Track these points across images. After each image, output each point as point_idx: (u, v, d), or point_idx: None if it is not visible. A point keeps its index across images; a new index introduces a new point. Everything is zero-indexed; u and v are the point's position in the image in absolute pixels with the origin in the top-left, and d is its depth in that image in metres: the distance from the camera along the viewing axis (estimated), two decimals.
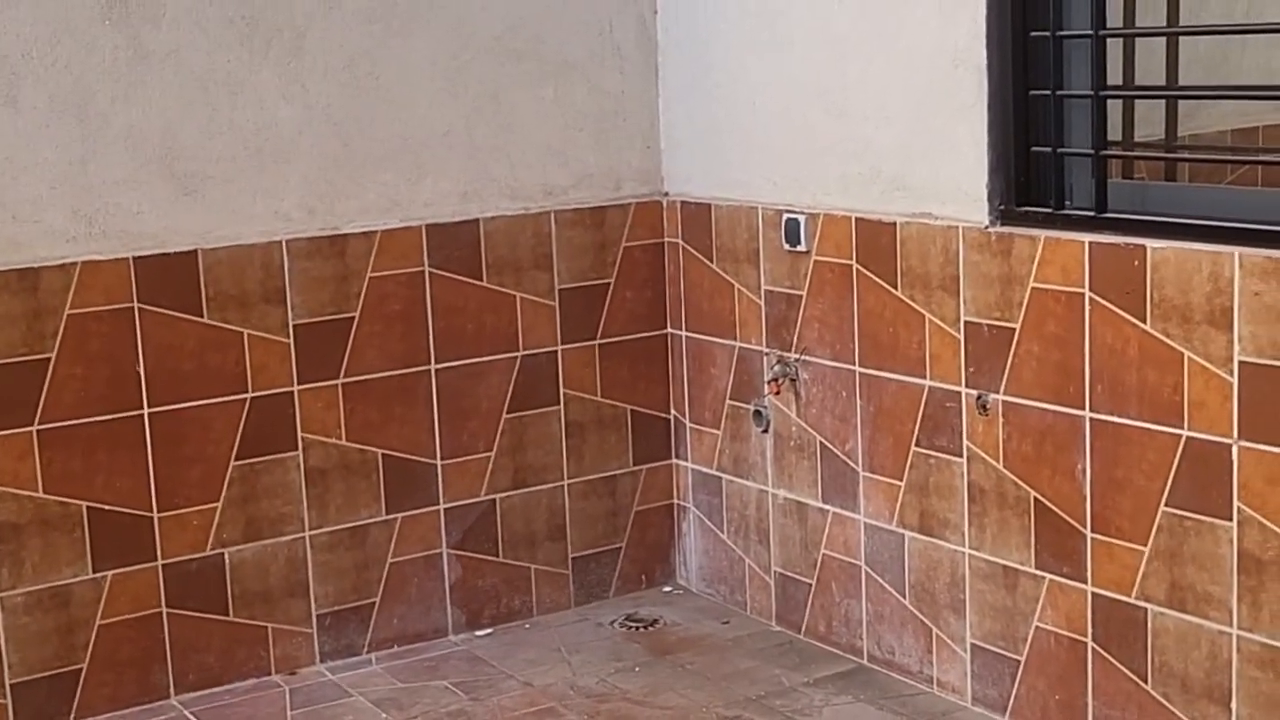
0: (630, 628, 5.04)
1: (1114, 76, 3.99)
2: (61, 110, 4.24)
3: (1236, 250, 3.53)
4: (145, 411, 4.43)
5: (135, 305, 4.39)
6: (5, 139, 4.17)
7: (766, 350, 4.86)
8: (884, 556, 4.55)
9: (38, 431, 4.28)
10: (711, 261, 5.03)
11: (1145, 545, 3.81)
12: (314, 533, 4.72)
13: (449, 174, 4.82)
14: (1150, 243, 3.71)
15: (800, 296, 4.70)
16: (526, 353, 5.00)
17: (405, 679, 4.68)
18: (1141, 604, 3.85)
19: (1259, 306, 3.49)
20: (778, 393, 4.81)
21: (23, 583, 4.31)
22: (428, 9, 4.71)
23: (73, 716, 4.42)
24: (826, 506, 4.74)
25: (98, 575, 4.42)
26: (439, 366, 4.87)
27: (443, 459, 4.91)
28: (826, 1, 4.49)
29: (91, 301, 4.33)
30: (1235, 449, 3.58)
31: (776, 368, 4.80)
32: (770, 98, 4.75)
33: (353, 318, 4.71)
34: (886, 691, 4.47)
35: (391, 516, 4.84)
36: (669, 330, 5.26)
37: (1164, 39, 4.14)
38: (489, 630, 5.02)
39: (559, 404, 5.08)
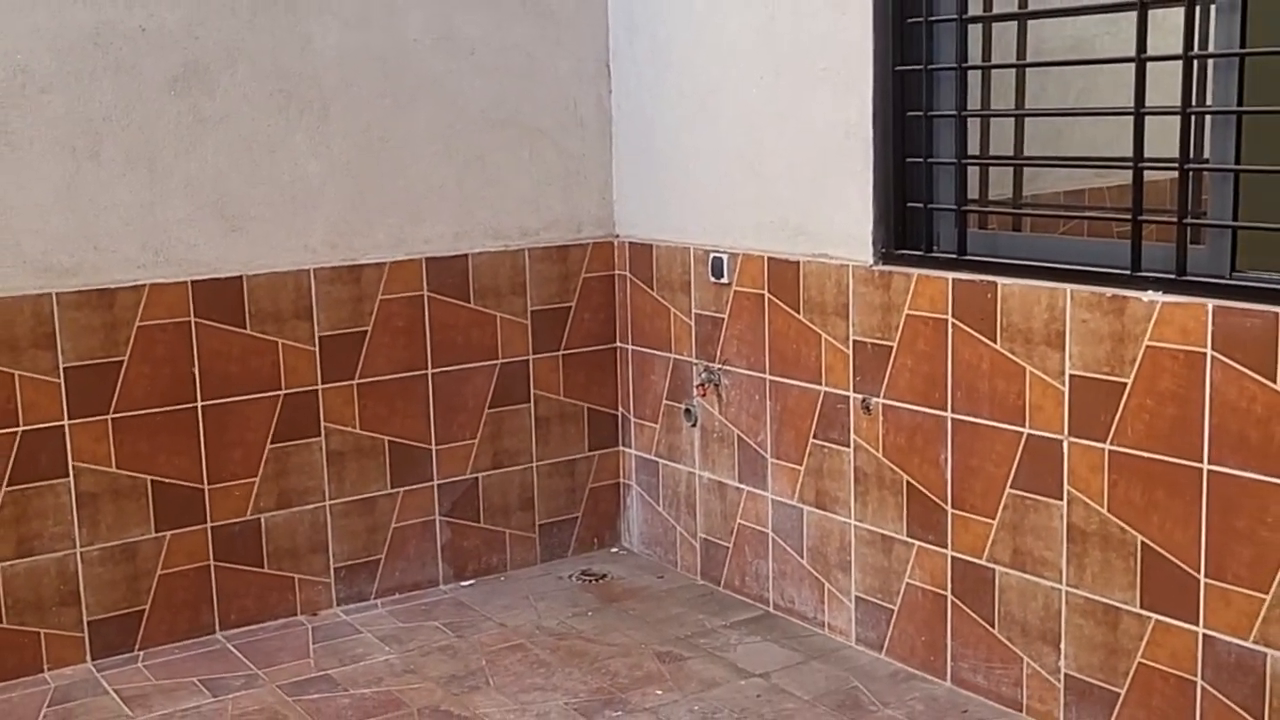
0: (585, 580, 5.02)
1: (973, 147, 4.01)
2: (135, 163, 4.22)
3: (1068, 287, 3.56)
4: (199, 404, 4.41)
5: (192, 319, 4.36)
6: (90, 185, 4.14)
7: (695, 361, 4.85)
8: (787, 526, 4.55)
9: (112, 419, 4.27)
10: (652, 290, 5.02)
11: (994, 519, 3.83)
12: (333, 502, 4.70)
13: (444, 218, 4.80)
14: (1000, 280, 3.74)
15: (723, 319, 4.69)
16: (505, 361, 4.99)
17: (405, 620, 4.67)
18: (990, 565, 3.87)
19: (1085, 331, 3.51)
20: (704, 395, 4.81)
21: (98, 540, 4.29)
22: (427, 87, 4.70)
23: (138, 648, 4.40)
24: (742, 486, 4.73)
25: (159, 535, 4.40)
26: (435, 371, 4.85)
27: (437, 444, 4.89)
28: (746, 86, 4.49)
29: (157, 316, 4.31)
30: (1065, 443, 3.61)
31: (703, 375, 4.79)
32: (701, 161, 4.75)
33: (366, 331, 4.68)
34: (787, 633, 4.47)
35: (395, 490, 4.83)
36: (618, 344, 5.24)
37: (1013, 119, 4.15)
38: (472, 581, 5.01)
39: (530, 402, 5.07)
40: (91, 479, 4.25)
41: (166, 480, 4.38)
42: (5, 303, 4.06)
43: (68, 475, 4.22)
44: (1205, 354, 3.25)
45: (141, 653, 4.39)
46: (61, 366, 4.17)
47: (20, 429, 4.12)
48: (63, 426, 4.19)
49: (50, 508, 4.19)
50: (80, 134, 4.13)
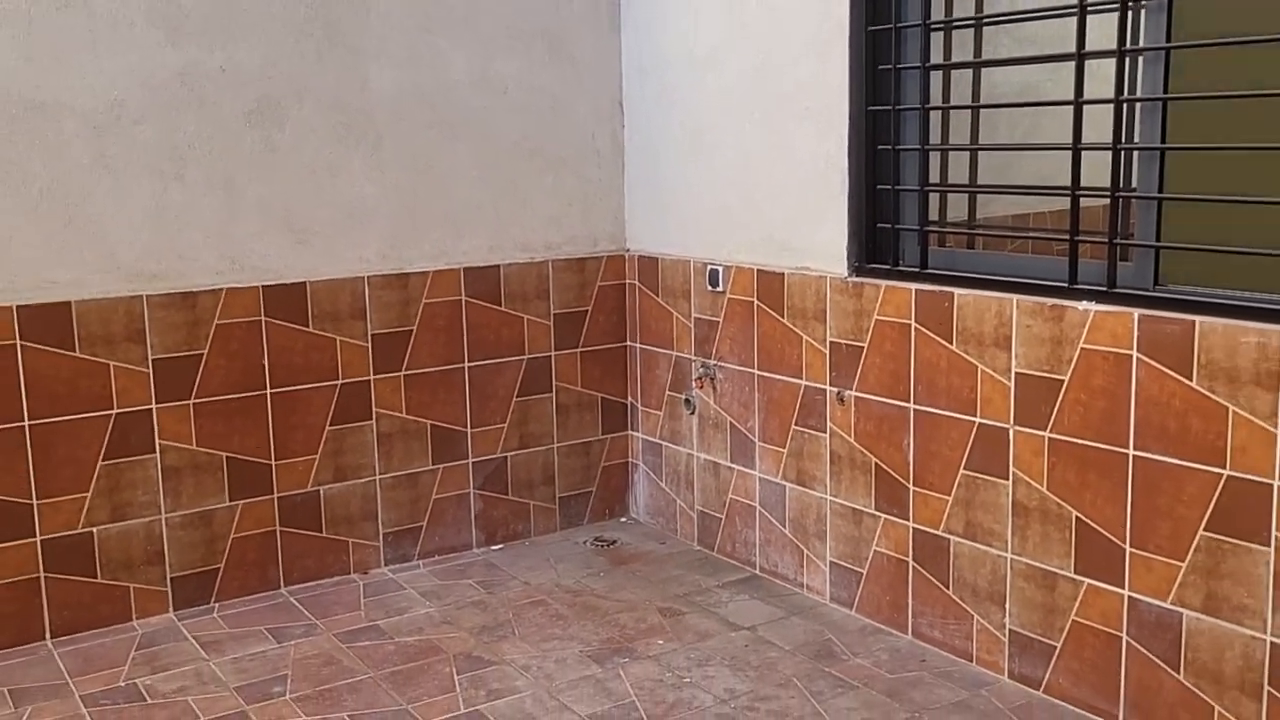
0: (598, 546, 5.02)
1: (934, 176, 4.02)
2: (215, 185, 4.24)
3: (1015, 297, 3.57)
4: (268, 392, 4.42)
5: (262, 319, 4.37)
6: (176, 204, 4.16)
7: (694, 358, 4.85)
8: (771, 500, 4.56)
9: (193, 404, 4.28)
10: (658, 296, 5.02)
11: (949, 495, 3.85)
12: (382, 476, 4.71)
13: (480, 233, 4.81)
14: (957, 291, 3.74)
15: (718, 322, 4.69)
16: (530, 356, 4.99)
17: (442, 578, 4.68)
18: (946, 536, 3.88)
19: (1029, 335, 3.52)
20: (701, 387, 4.81)
21: (180, 508, 4.31)
22: (467, 122, 4.71)
23: (213, 600, 4.42)
24: (733, 465, 4.74)
25: (232, 504, 4.41)
26: (470, 364, 4.85)
27: (471, 428, 4.89)
28: (739, 122, 4.50)
29: (232, 316, 4.32)
30: (1011, 431, 3.61)
31: (701, 370, 4.79)
32: (700, 186, 4.75)
33: (412, 330, 4.69)
34: (771, 593, 4.48)
35: (436, 466, 4.83)
36: (628, 343, 5.24)
37: (968, 152, 4.16)
38: (501, 546, 5.01)
39: (552, 392, 5.07)
40: (175, 455, 4.27)
41: (239, 457, 4.40)
42: (102, 303, 4.08)
43: (155, 452, 4.23)
44: (1131, 356, 3.26)
45: (216, 605, 4.42)
46: (150, 358, 4.18)
47: (114, 411, 4.14)
48: (151, 410, 4.20)
49: (140, 480, 4.21)
50: (168, 159, 4.14)
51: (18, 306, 3.97)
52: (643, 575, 4.69)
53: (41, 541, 4.10)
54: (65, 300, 4.04)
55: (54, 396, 4.05)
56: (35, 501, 4.07)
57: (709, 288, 4.71)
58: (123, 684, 3.84)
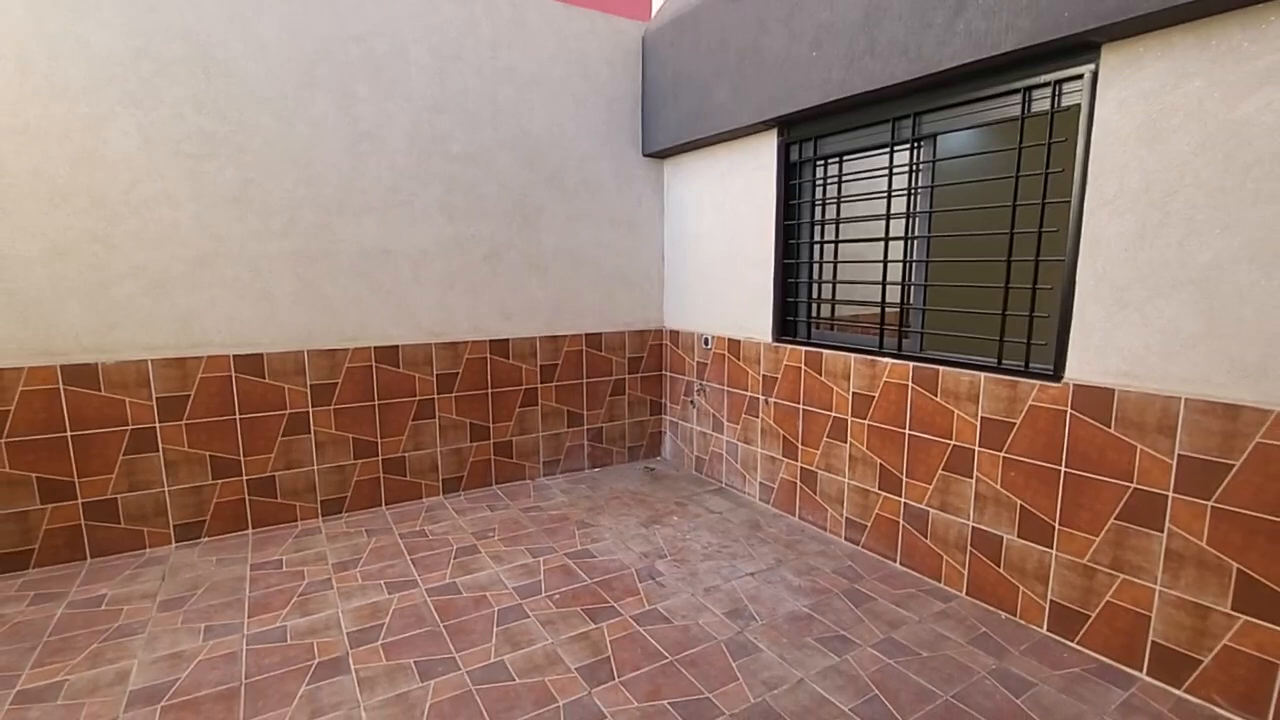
0: (646, 470, 4.95)
1: (815, 294, 4.02)
2: (467, 291, 4.28)
3: (852, 355, 3.64)
4: (489, 391, 4.43)
5: (488, 356, 4.38)
6: (449, 300, 4.18)
7: (695, 380, 4.83)
8: (732, 451, 4.53)
9: (455, 396, 4.31)
10: (678, 349, 4.98)
11: (819, 450, 3.87)
12: (542, 433, 4.67)
13: (593, 317, 4.80)
14: (825, 351, 3.80)
15: (707, 363, 4.68)
16: (615, 377, 4.95)
17: (570, 484, 4.65)
18: (817, 470, 3.90)
19: (859, 374, 3.58)
20: (699, 395, 4.79)
21: (448, 444, 4.30)
22: (588, 262, 4.71)
23: (461, 490, 4.41)
24: (713, 433, 4.70)
25: (470, 444, 4.38)
26: (587, 380, 4.82)
27: (586, 410, 4.85)
28: (719, 267, 4.50)
29: (474, 354, 4.34)
30: (849, 420, 3.66)
31: (698, 386, 4.77)
32: (701, 296, 4.72)
33: (558, 364, 4.68)
34: (730, 497, 4.45)
35: (569, 429, 4.79)
36: (662, 372, 5.17)
37: (833, 282, 4.25)
38: (599, 469, 4.95)
39: (625, 395, 5.01)
40: (445, 420, 4.25)
41: (473, 421, 4.36)
42: (413, 347, 4.09)
43: (435, 418, 4.21)
44: (908, 386, 3.35)
45: (463, 493, 4.38)
46: (436, 373, 4.18)
47: (417, 398, 4.14)
48: (434, 399, 4.20)
49: (428, 430, 4.16)
50: (444, 278, 4.16)
51: (374, 347, 4.04)
52: (668, 486, 4.65)
53: (381, 460, 4.16)
54: (396, 344, 4.10)
55: (387, 391, 4.07)
56: (379, 439, 4.12)
57: (704, 346, 4.69)
58: (417, 528, 3.93)
